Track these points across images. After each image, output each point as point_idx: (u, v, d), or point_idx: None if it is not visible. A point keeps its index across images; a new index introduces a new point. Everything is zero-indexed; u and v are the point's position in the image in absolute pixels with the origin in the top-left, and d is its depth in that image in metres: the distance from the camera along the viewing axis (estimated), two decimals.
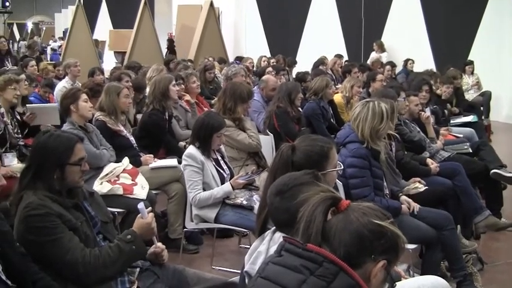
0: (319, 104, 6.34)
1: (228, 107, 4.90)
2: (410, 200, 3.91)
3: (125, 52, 15.30)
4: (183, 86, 6.08)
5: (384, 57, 13.16)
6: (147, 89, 6.03)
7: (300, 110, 6.10)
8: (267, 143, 5.46)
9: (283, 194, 1.99)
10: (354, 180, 3.71)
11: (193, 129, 4.19)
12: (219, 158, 4.27)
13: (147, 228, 2.59)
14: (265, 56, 11.89)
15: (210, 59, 11.62)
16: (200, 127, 4.09)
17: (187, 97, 6.13)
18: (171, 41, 17.38)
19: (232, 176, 4.22)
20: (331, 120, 6.67)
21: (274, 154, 5.53)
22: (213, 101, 7.61)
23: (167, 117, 5.44)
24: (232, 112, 4.90)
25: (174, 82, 5.54)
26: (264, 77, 7.07)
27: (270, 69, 8.50)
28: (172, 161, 4.89)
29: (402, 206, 3.82)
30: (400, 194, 4.02)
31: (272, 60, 11.49)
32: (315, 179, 2.01)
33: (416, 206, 3.86)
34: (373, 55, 13.65)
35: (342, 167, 2.64)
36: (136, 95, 6.35)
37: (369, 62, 12.66)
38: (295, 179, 2.03)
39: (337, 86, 7.99)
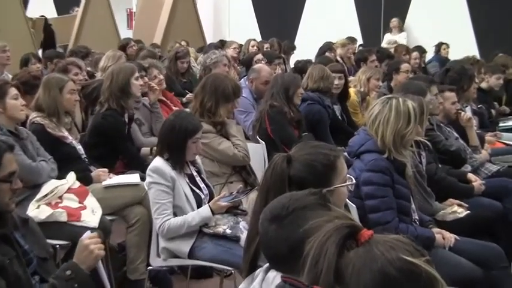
0: (323, 102, 6.37)
1: (207, 108, 4.90)
2: (443, 231, 3.91)
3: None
4: (146, 80, 6.08)
5: (403, 39, 13.24)
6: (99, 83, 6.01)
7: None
8: (257, 154, 5.46)
9: (282, 221, 1.96)
10: (371, 202, 3.71)
11: (160, 136, 4.20)
12: (195, 173, 4.26)
13: (85, 252, 2.57)
14: (254, 40, 11.92)
15: (183, 43, 11.64)
16: (169, 132, 4.09)
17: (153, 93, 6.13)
18: (46, 23, 16.02)
19: (212, 196, 4.21)
20: (339, 122, 6.72)
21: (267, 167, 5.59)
22: (184, 98, 7.65)
23: (127, 120, 5.44)
24: (212, 114, 4.90)
25: (136, 74, 5.56)
26: (254, 67, 7.09)
27: (260, 56, 8.53)
28: (133, 177, 4.88)
29: (436, 236, 3.82)
30: (431, 224, 4.02)
31: (264, 45, 11.50)
32: (323, 201, 1.99)
33: (451, 238, 3.85)
34: (388, 37, 13.75)
35: (354, 182, 2.63)
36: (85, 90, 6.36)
37: (383, 45, 12.72)
38: (296, 200, 2.01)
39: (349, 79, 8.00)
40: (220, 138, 4.92)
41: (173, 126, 4.11)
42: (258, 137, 5.75)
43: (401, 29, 13.87)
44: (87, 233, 2.62)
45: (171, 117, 4.27)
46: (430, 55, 11.85)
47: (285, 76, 6.21)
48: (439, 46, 12.00)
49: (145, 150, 5.58)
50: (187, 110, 5.89)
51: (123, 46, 10.65)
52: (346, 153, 3.95)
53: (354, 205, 3.68)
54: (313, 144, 2.56)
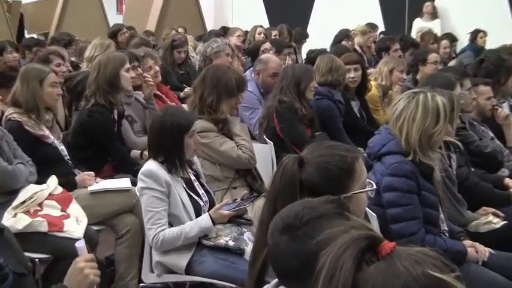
0: (333, 97, 6.38)
1: (207, 103, 4.90)
2: (476, 244, 3.91)
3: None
4: (140, 71, 6.09)
5: (437, 27, 13.21)
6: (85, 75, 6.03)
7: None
8: (264, 155, 5.47)
9: (294, 232, 1.96)
10: (394, 210, 3.71)
11: (151, 138, 4.22)
12: (193, 177, 4.27)
13: (79, 276, 2.57)
14: (261, 27, 11.92)
15: (180, 30, 11.64)
16: (161, 132, 4.11)
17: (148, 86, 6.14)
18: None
19: (212, 204, 4.22)
20: (357, 119, 6.73)
21: (275, 170, 5.58)
22: (182, 93, 7.66)
23: (116, 117, 5.46)
24: (213, 111, 4.90)
25: (127, 65, 5.56)
26: (261, 58, 7.10)
27: (268, 45, 8.53)
28: (123, 182, 4.89)
29: (468, 249, 3.82)
30: (463, 236, 4.01)
31: (272, 33, 11.52)
32: (342, 210, 1.99)
33: (485, 252, 3.85)
34: (420, 23, 13.70)
35: (374, 187, 2.64)
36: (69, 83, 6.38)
37: (414, 34, 12.70)
38: (311, 208, 2.00)
39: (368, 71, 8.01)
40: (223, 137, 4.92)
41: (163, 124, 4.12)
42: (265, 137, 5.76)
43: (435, 15, 13.79)
44: (81, 243, 2.60)
45: (158, 116, 4.29)
46: (462, 43, 11.80)
47: (296, 67, 6.18)
48: (475, 34, 11.90)
49: (134, 153, 5.59)
50: (185, 106, 5.92)
51: (114, 33, 10.68)
52: (365, 155, 3.96)
53: (374, 214, 3.68)
54: (328, 145, 2.56)
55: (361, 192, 2.46)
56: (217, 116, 4.90)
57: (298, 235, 1.93)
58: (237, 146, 4.92)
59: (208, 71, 5.11)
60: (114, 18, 16.90)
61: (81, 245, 2.60)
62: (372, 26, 11.78)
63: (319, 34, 13.00)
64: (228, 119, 4.99)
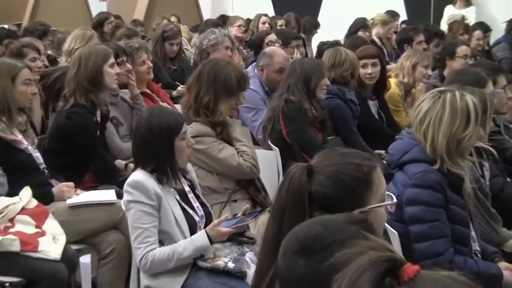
0: (344, 96, 6.38)
1: (203, 104, 4.90)
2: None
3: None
4: (129, 66, 6.08)
5: (471, 15, 13.16)
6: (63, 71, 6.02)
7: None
8: (268, 164, 5.48)
9: (314, 256, 1.93)
10: (418, 227, 3.71)
11: (136, 144, 4.21)
12: (187, 188, 4.27)
13: None
14: (265, 15, 11.95)
15: (173, 19, 11.65)
16: (147, 136, 4.09)
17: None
18: None
19: (209, 220, 4.22)
20: (375, 122, 6.73)
21: (281, 180, 5.57)
22: (175, 92, 7.66)
23: (99, 119, 5.47)
24: (211, 112, 4.90)
25: (112, 60, 5.56)
26: (265, 51, 7.11)
27: (273, 37, 8.52)
28: (107, 194, 4.90)
29: (504, 272, 3.81)
30: (498, 256, 4.00)
31: (278, 22, 11.53)
32: (367, 232, 1.97)
33: None
34: (451, 11, 13.68)
35: (395, 201, 2.63)
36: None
37: (444, 23, 12.67)
38: (335, 230, 1.97)
39: (388, 66, 8.00)
40: (221, 143, 4.92)
41: (150, 126, 4.10)
42: (269, 142, 5.77)
43: (469, 1, 13.73)
44: (85, 258, 2.59)
45: (144, 117, 4.26)
46: (496, 35, 11.77)
47: (305, 62, 6.17)
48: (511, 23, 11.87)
49: (119, 163, 5.56)
50: (178, 106, 5.92)
51: (100, 22, 10.63)
52: (385, 163, 3.95)
53: (395, 231, 3.67)
54: (342, 152, 2.56)
55: (379, 206, 2.45)
56: (215, 118, 4.90)
57: (317, 260, 1.91)
58: (238, 152, 4.93)
59: (205, 67, 5.11)
60: (96, 6, 16.88)
61: (86, 260, 2.59)
62: (393, 14, 11.76)
63: (332, 24, 13.02)
64: (228, 122, 4.99)
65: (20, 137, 4.97)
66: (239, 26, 10.92)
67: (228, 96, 4.93)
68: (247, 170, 4.92)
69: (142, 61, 6.42)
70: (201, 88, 4.94)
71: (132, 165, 4.53)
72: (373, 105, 6.84)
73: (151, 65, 6.54)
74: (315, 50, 10.47)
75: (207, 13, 15.46)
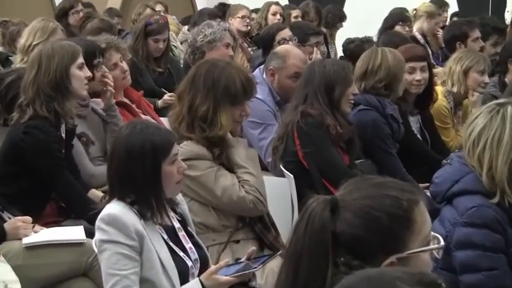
0: (384, 110, 6.40)
1: (200, 115, 4.91)
2: None
3: None
4: (105, 70, 6.09)
5: None
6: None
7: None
8: (280, 194, 5.50)
9: None
10: (472, 277, 3.74)
11: (112, 166, 4.22)
12: (177, 224, 4.29)
13: None
14: (276, 4, 11.92)
15: (159, 8, 11.67)
16: (126, 158, 4.11)
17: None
18: None
19: (204, 265, 4.24)
20: (417, 142, 6.76)
21: (296, 217, 5.55)
22: (160, 101, 7.67)
23: (64, 135, 5.49)
24: (209, 125, 4.90)
25: (81, 60, 5.59)
26: (276, 50, 7.14)
27: (287, 33, 8.55)
28: (73, 232, 4.92)
29: None
30: None
31: (293, 14, 11.57)
32: None
33: None
34: None
35: (442, 244, 2.65)
36: None
37: (508, 18, 12.67)
38: None
39: (434, 70, 7.96)
40: (219, 169, 4.93)
41: (130, 147, 4.11)
42: (281, 167, 5.76)
43: None
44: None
45: (122, 135, 4.25)
46: None
47: (327, 65, 6.08)
48: None
49: (93, 194, 5.56)
50: (164, 120, 5.94)
51: (64, 11, 10.63)
52: (429, 195, 3.97)
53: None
54: (376, 181, 2.59)
55: (423, 251, 2.48)
56: (213, 132, 4.89)
57: None
58: (240, 181, 4.92)
59: (200, 69, 5.12)
60: None
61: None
62: (441, 5, 11.75)
63: (361, 16, 13.05)
64: (229, 142, 4.99)
65: None
66: (242, 17, 10.92)
67: (230, 105, 4.93)
68: (250, 206, 4.90)
69: (113, 64, 6.43)
70: (196, 95, 4.95)
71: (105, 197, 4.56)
72: (414, 121, 6.89)
73: (126, 68, 6.54)
74: (339, 48, 10.49)
75: (203, 1, 15.46)
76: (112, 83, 6.13)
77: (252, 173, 5.02)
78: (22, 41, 7.40)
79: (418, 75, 6.68)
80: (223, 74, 5.00)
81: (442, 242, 2.65)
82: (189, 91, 5.03)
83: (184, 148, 4.68)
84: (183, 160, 4.32)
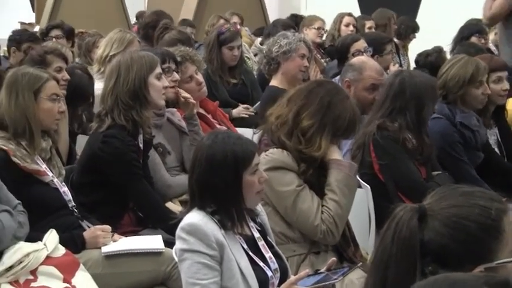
0: (454, 118, 6.35)
1: (302, 126, 4.84)
2: None
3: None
4: (177, 77, 6.10)
5: None
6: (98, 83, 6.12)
7: None
8: (358, 205, 5.39)
9: None
10: None
11: (193, 176, 4.19)
12: (257, 234, 4.28)
13: None
14: (349, 15, 11.92)
15: (235, 20, 11.68)
16: (207, 169, 4.10)
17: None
18: None
19: (285, 276, 4.22)
20: (494, 155, 6.70)
21: (373, 228, 5.55)
22: (234, 111, 7.64)
23: (142, 145, 5.52)
24: (306, 142, 4.82)
25: (159, 70, 5.62)
26: (352, 62, 7.09)
27: (362, 44, 8.49)
28: (152, 241, 4.94)
29: None
30: None
31: (367, 24, 11.58)
32: None
33: None
34: None
35: None
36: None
37: None
38: None
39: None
40: (303, 189, 4.83)
41: (212, 157, 4.10)
42: (358, 177, 5.72)
43: None
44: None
45: (204, 145, 4.23)
46: None
47: (417, 80, 5.90)
48: None
49: (171, 207, 5.57)
50: (240, 130, 5.92)
51: (153, 24, 10.35)
52: None
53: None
54: (464, 190, 2.54)
55: (511, 261, 2.44)
56: (309, 150, 4.83)
57: None
58: (322, 206, 4.82)
59: (321, 87, 5.04)
60: (132, 2, 17.02)
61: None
62: None
63: (433, 26, 12.95)
64: (331, 163, 4.89)
65: (43, 167, 5.01)
66: (318, 28, 10.92)
67: (333, 136, 4.88)
68: (319, 236, 4.80)
69: (189, 77, 6.47)
70: (307, 107, 4.89)
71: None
72: (491, 134, 6.81)
73: (201, 79, 6.55)
74: (413, 60, 10.43)
75: (273, 12, 15.48)
76: (188, 95, 6.16)
77: (339, 202, 4.87)
78: (99, 52, 7.47)
79: (505, 84, 6.61)
80: (341, 103, 4.95)
81: None
82: (301, 99, 4.97)
83: (271, 156, 4.66)
84: (269, 169, 4.36)
